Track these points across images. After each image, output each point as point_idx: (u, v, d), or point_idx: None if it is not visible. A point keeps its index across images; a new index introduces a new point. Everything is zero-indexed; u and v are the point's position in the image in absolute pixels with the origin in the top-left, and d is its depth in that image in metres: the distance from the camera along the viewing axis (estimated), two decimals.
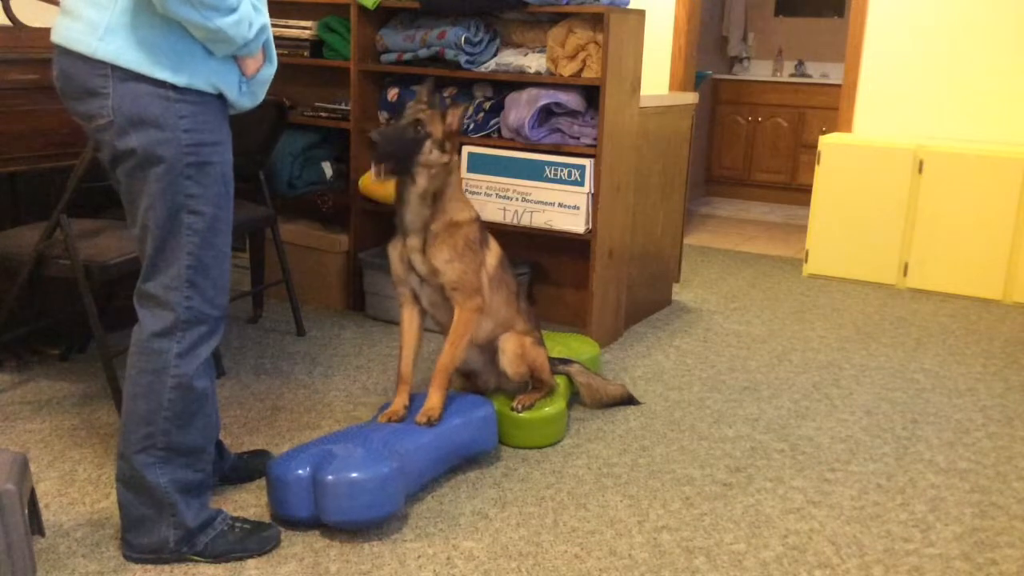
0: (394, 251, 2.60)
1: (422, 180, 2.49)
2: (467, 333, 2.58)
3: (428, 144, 2.46)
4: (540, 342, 2.80)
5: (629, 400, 3.08)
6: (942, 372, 3.53)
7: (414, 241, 2.53)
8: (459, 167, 2.61)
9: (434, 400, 2.52)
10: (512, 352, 2.71)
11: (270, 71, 2.04)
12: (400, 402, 2.57)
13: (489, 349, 2.74)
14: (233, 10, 1.83)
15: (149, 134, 1.86)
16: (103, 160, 1.98)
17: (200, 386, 2.03)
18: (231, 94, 1.95)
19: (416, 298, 2.63)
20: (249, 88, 2.01)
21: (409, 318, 2.64)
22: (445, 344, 2.59)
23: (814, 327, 4.04)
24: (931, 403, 3.22)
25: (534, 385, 2.78)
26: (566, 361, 2.98)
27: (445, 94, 3.73)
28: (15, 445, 2.63)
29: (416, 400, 2.60)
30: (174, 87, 1.86)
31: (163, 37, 1.84)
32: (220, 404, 2.93)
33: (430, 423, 2.46)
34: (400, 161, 2.46)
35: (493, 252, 2.69)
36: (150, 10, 1.82)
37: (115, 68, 1.83)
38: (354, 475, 2.16)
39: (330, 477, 2.16)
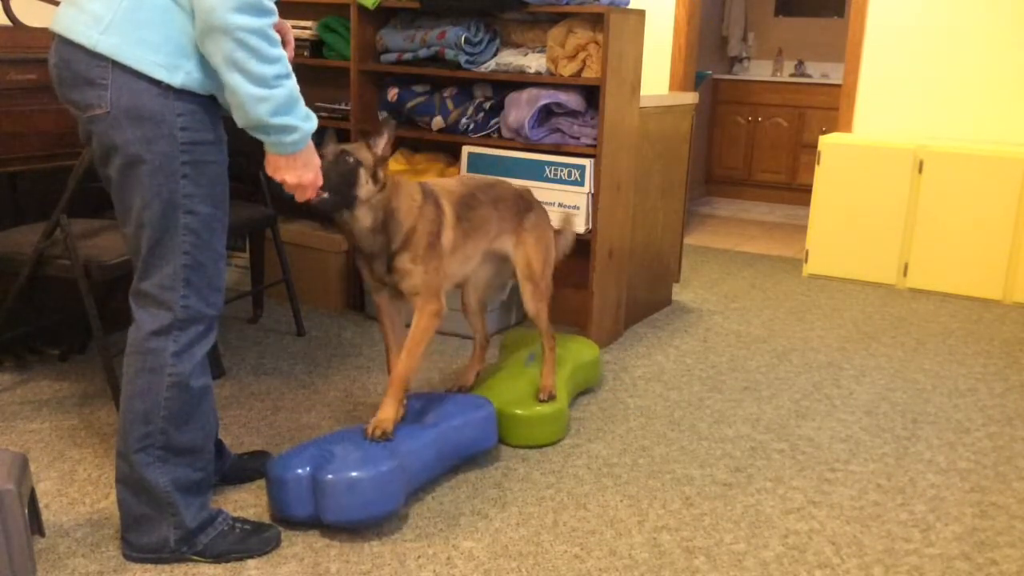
0: (361, 264, 2.47)
1: (365, 216, 2.32)
2: (425, 340, 2.46)
3: (362, 173, 2.27)
4: (544, 239, 2.79)
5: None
6: (942, 372, 3.53)
7: (379, 264, 2.41)
8: (402, 186, 2.41)
9: (387, 411, 2.37)
10: (523, 263, 2.73)
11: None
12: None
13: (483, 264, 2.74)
14: (267, 84, 1.80)
15: (145, 129, 1.85)
16: (93, 153, 1.97)
17: (197, 385, 2.03)
18: (222, 99, 1.95)
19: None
20: None
21: (387, 311, 2.54)
22: (403, 352, 2.46)
23: (814, 327, 4.04)
24: (931, 403, 3.22)
25: (544, 345, 2.81)
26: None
27: (445, 94, 3.73)
28: (15, 445, 2.63)
29: (411, 401, 2.58)
30: (170, 87, 1.86)
31: (163, 37, 1.84)
32: (220, 404, 2.93)
33: (384, 437, 2.32)
34: (342, 195, 2.25)
35: (448, 218, 2.49)
36: (154, 10, 1.82)
37: (115, 63, 1.83)
38: (353, 474, 2.16)
39: (329, 476, 2.16)
